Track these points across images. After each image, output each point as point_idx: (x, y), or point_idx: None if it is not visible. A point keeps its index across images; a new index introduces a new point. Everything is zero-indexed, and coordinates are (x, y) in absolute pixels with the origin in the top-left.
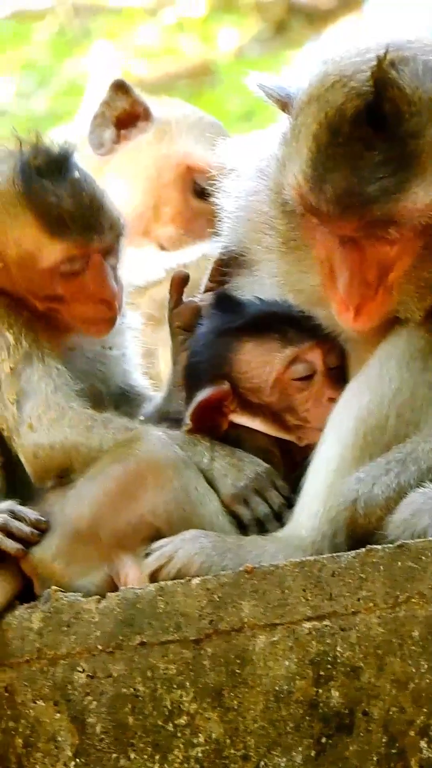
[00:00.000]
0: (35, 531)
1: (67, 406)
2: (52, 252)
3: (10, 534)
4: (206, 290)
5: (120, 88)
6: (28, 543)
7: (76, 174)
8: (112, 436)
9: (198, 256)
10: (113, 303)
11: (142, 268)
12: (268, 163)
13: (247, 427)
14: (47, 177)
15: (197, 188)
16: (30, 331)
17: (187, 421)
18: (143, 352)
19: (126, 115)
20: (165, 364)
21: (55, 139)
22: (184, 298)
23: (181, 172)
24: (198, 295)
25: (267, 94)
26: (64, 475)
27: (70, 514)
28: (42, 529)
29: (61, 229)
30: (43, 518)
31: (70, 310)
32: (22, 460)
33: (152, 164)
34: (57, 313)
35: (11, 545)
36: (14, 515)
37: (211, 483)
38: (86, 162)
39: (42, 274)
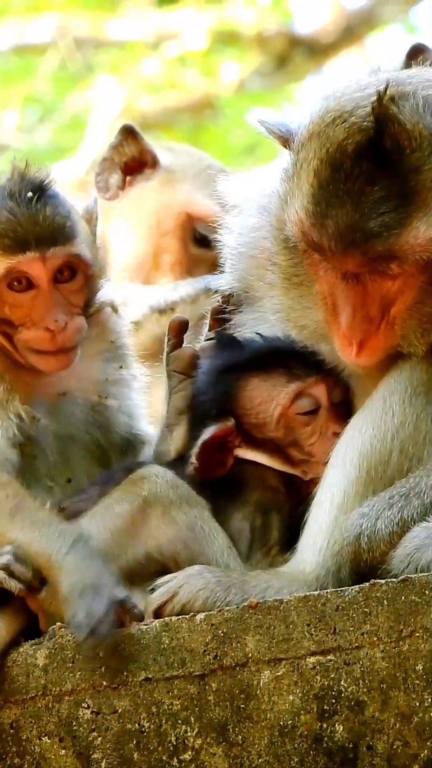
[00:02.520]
0: (36, 577)
1: None
2: None
3: (13, 574)
4: (206, 339)
5: (130, 133)
6: (30, 587)
7: (39, 195)
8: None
9: (177, 298)
10: (56, 335)
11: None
12: (269, 199)
13: (253, 463)
14: (14, 197)
15: (198, 236)
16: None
17: (193, 459)
18: None
19: (134, 161)
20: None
21: (41, 169)
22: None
23: (182, 220)
24: (197, 342)
25: (268, 131)
26: None
27: None
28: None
29: (3, 242)
30: None
31: (19, 337)
32: None
33: (154, 212)
34: (10, 341)
35: (14, 585)
36: (17, 557)
37: (56, 576)
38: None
39: None
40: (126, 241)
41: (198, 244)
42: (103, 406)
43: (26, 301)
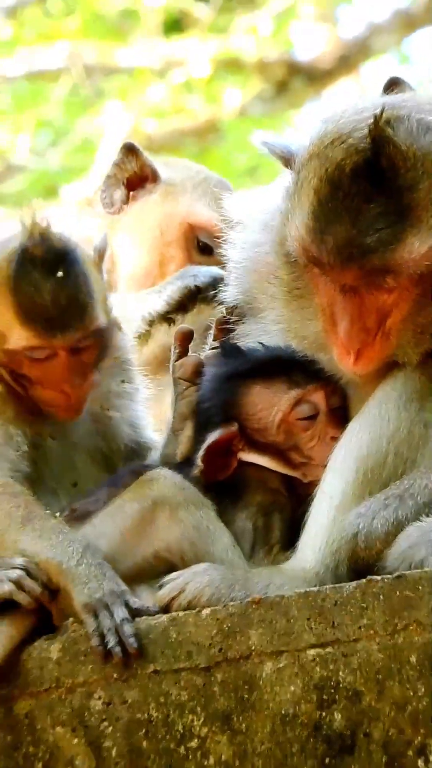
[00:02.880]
0: (46, 591)
1: None
2: (19, 337)
3: (24, 588)
4: (211, 349)
5: (130, 151)
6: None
7: (67, 272)
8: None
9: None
10: (70, 397)
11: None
12: (272, 216)
13: (255, 466)
14: (39, 268)
15: (200, 245)
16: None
17: (199, 463)
18: None
19: (135, 177)
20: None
21: (63, 232)
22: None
23: (184, 230)
24: (202, 351)
25: (271, 151)
26: None
27: None
28: (54, 590)
29: (30, 319)
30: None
31: (35, 390)
32: None
33: (157, 224)
34: (24, 389)
35: (24, 598)
36: (29, 572)
37: (67, 584)
38: (100, 220)
39: (9, 353)
40: (132, 253)
41: (201, 252)
42: (106, 417)
43: (44, 365)
